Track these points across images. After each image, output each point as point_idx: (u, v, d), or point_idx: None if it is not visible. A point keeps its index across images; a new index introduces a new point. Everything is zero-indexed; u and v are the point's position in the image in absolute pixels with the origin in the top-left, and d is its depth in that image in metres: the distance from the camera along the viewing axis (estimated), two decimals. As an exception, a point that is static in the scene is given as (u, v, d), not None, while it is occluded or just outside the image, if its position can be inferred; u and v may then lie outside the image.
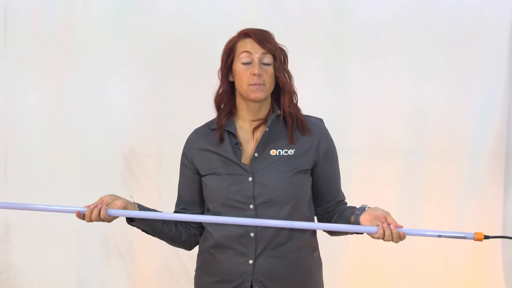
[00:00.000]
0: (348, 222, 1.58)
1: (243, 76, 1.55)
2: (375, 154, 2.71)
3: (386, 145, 2.70)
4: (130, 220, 1.61)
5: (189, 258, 2.66)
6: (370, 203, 1.59)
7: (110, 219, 1.57)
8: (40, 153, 2.80)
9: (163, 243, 1.73)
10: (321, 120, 1.68)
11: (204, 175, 1.62)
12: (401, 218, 1.52)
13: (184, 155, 1.68)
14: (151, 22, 2.73)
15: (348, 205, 1.67)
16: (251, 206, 1.55)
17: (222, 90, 1.63)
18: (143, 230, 1.66)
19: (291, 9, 2.70)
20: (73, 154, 2.78)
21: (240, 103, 1.62)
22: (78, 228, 2.75)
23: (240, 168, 1.57)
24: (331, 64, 2.70)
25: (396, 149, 2.70)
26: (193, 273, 1.71)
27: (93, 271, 2.83)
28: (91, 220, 1.56)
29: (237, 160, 1.57)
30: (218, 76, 1.64)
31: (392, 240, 1.48)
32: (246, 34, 1.58)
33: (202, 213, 1.68)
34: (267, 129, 1.59)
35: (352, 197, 1.73)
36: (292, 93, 1.61)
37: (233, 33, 1.62)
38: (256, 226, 1.54)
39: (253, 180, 1.55)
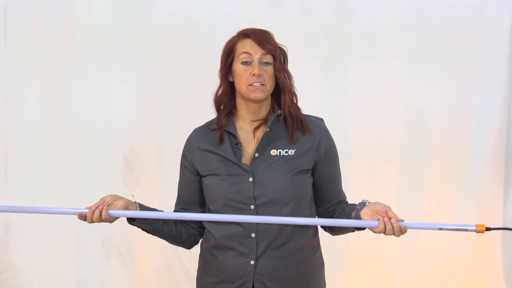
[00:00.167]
0: (349, 218, 1.58)
1: (243, 77, 1.55)
2: (375, 154, 2.71)
3: (386, 145, 2.70)
4: (131, 220, 1.61)
5: (189, 258, 2.68)
6: (368, 200, 1.59)
7: (111, 219, 1.57)
8: (40, 153, 2.79)
9: (163, 243, 1.73)
10: (321, 119, 1.68)
11: (204, 176, 1.62)
12: (401, 218, 1.52)
13: (184, 156, 1.68)
14: (151, 22, 2.73)
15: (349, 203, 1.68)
16: (252, 207, 1.55)
17: (222, 90, 1.63)
18: (143, 229, 1.66)
19: (291, 9, 2.69)
20: (73, 154, 2.78)
21: (240, 104, 1.62)
22: (78, 228, 2.75)
23: (240, 169, 1.57)
24: (331, 64, 2.70)
25: (396, 149, 2.70)
26: (193, 273, 1.71)
27: (93, 271, 2.83)
28: (92, 221, 1.55)
29: (237, 160, 1.57)
30: (219, 76, 1.64)
31: (393, 234, 1.48)
32: (245, 34, 1.58)
33: (202, 212, 1.68)
34: (268, 129, 1.59)
35: (352, 197, 1.73)
36: (292, 93, 1.61)
37: (233, 33, 1.62)
38: (257, 227, 1.54)
39: (253, 181, 1.55)
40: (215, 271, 1.60)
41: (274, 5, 2.69)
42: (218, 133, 1.61)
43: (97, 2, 2.74)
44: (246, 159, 1.59)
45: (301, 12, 2.69)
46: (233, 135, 1.60)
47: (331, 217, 1.66)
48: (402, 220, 1.48)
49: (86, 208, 1.56)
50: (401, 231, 1.47)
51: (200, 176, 1.64)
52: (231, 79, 1.61)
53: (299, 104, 1.64)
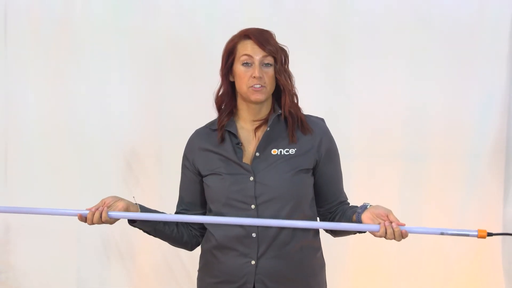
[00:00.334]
0: (350, 221, 1.58)
1: (244, 78, 1.55)
2: (375, 154, 2.71)
3: (386, 145, 2.70)
4: (132, 221, 1.61)
5: (189, 258, 2.67)
6: (370, 203, 1.59)
7: (112, 221, 1.57)
8: (40, 153, 2.79)
9: (163, 243, 1.73)
10: (322, 120, 1.68)
11: (205, 176, 1.62)
12: (401, 218, 1.52)
13: (185, 157, 1.68)
14: (151, 22, 2.73)
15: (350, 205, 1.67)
16: (253, 206, 1.55)
17: (223, 90, 1.63)
18: (144, 231, 1.66)
19: (291, 9, 2.69)
20: (73, 154, 2.78)
21: (241, 104, 1.62)
22: (78, 228, 2.74)
23: (241, 168, 1.57)
24: (331, 64, 2.70)
25: (396, 149, 2.70)
26: (193, 273, 1.71)
27: (93, 271, 2.83)
28: (93, 223, 1.55)
29: (237, 160, 1.57)
30: (220, 75, 1.64)
31: (394, 239, 1.47)
32: (246, 35, 1.57)
33: (204, 214, 1.68)
34: (268, 129, 1.59)
35: (352, 197, 1.73)
36: (292, 94, 1.61)
37: (233, 33, 1.62)
38: (258, 226, 1.54)
39: (254, 180, 1.55)
40: (216, 272, 1.60)
41: (274, 5, 2.69)
42: (219, 132, 1.61)
43: (97, 2, 2.74)
44: (247, 159, 1.59)
45: (301, 12, 2.69)
46: (234, 135, 1.61)
47: (332, 218, 1.65)
48: (403, 225, 1.47)
49: (87, 210, 1.55)
50: (402, 235, 1.47)
51: (201, 176, 1.64)
52: (231, 79, 1.61)
53: (300, 104, 1.64)
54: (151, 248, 2.74)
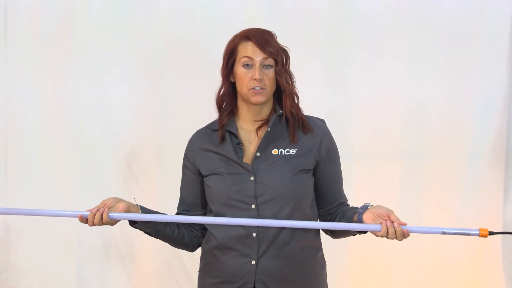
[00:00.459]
0: (350, 221, 1.58)
1: (244, 80, 1.55)
2: (375, 154, 2.71)
3: (386, 145, 2.70)
4: (133, 222, 1.61)
5: (189, 258, 2.67)
6: (371, 203, 1.59)
7: (112, 222, 1.57)
8: (40, 153, 2.79)
9: (163, 244, 1.73)
10: (322, 120, 1.68)
11: (206, 176, 1.62)
12: (402, 218, 1.52)
13: (186, 157, 1.68)
14: (151, 22, 2.73)
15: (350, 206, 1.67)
16: (253, 206, 1.55)
17: (224, 90, 1.63)
18: (145, 232, 1.66)
19: (291, 9, 2.70)
20: (73, 154, 2.78)
21: (242, 104, 1.62)
22: (78, 228, 2.73)
23: (242, 168, 1.57)
24: (331, 64, 2.70)
25: (396, 149, 2.71)
26: (194, 274, 1.71)
27: (93, 271, 2.83)
28: (93, 224, 1.55)
29: (238, 159, 1.58)
30: (221, 75, 1.64)
31: (396, 238, 1.48)
32: (247, 36, 1.57)
33: (204, 214, 1.68)
34: (269, 129, 1.59)
35: (353, 197, 1.73)
36: (293, 95, 1.61)
37: (233, 33, 1.62)
38: (258, 226, 1.54)
39: (254, 180, 1.55)
40: (216, 272, 1.61)
41: (274, 5, 2.69)
42: (219, 132, 1.61)
43: (97, 2, 2.74)
44: (247, 159, 1.59)
45: (301, 12, 2.69)
46: (235, 135, 1.61)
47: (332, 220, 1.65)
48: (405, 224, 1.48)
49: (87, 211, 1.55)
50: (404, 235, 1.47)
51: (202, 177, 1.64)
52: (232, 80, 1.61)
53: (300, 104, 1.64)
54: (151, 248, 2.74)
